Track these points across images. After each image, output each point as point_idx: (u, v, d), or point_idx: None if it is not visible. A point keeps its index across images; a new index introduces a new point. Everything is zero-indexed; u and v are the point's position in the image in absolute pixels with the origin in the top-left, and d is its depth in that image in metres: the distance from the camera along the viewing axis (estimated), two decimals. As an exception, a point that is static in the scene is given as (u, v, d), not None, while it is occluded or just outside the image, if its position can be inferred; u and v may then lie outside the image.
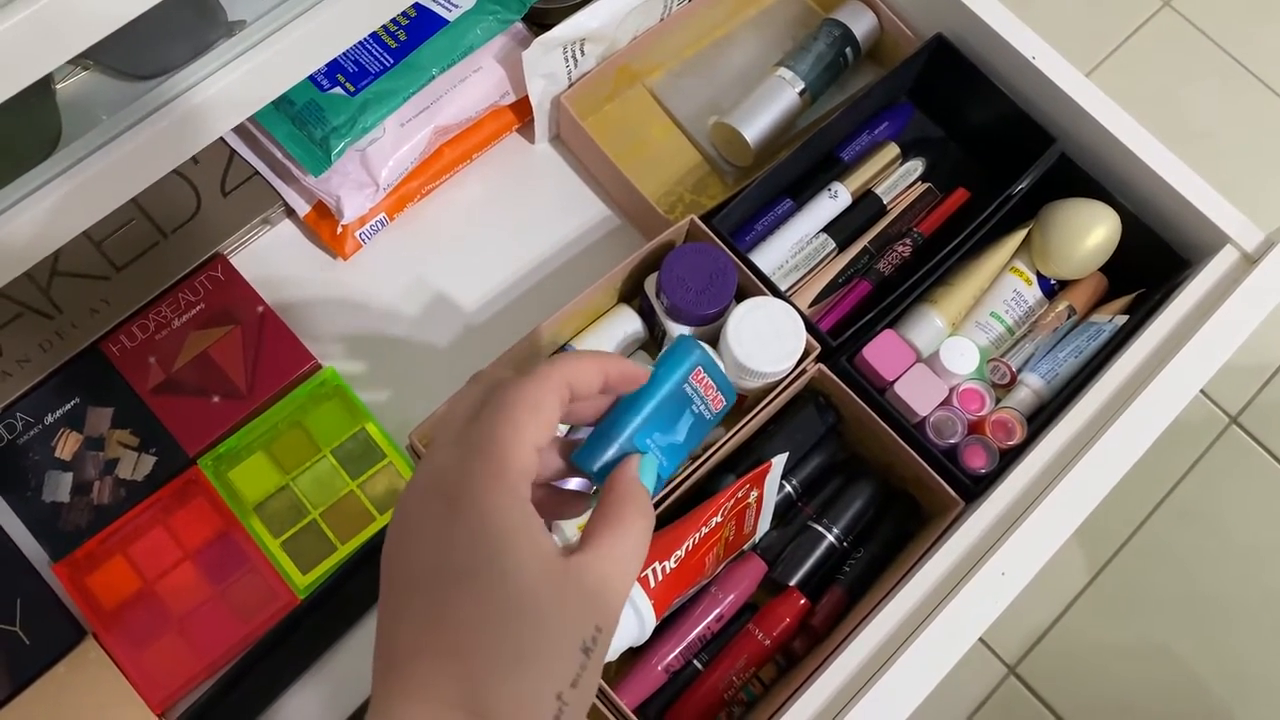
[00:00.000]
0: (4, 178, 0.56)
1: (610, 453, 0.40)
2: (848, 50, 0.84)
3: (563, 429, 0.65)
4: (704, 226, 0.73)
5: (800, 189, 0.81)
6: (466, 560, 0.34)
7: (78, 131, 0.58)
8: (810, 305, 0.77)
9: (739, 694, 0.68)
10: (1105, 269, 0.78)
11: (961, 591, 0.63)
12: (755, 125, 0.80)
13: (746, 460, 0.71)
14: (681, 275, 0.71)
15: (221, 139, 0.79)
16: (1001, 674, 1.35)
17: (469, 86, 0.79)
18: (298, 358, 0.75)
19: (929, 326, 0.75)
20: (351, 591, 0.71)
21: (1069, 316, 0.77)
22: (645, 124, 0.85)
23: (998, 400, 0.74)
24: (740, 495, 0.65)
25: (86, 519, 0.71)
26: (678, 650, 0.67)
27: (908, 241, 0.79)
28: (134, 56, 0.58)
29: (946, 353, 0.72)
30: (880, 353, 0.72)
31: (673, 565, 0.62)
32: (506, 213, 0.83)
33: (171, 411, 0.73)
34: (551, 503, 0.41)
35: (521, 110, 0.83)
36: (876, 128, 0.83)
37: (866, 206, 0.80)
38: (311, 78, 0.75)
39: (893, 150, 0.82)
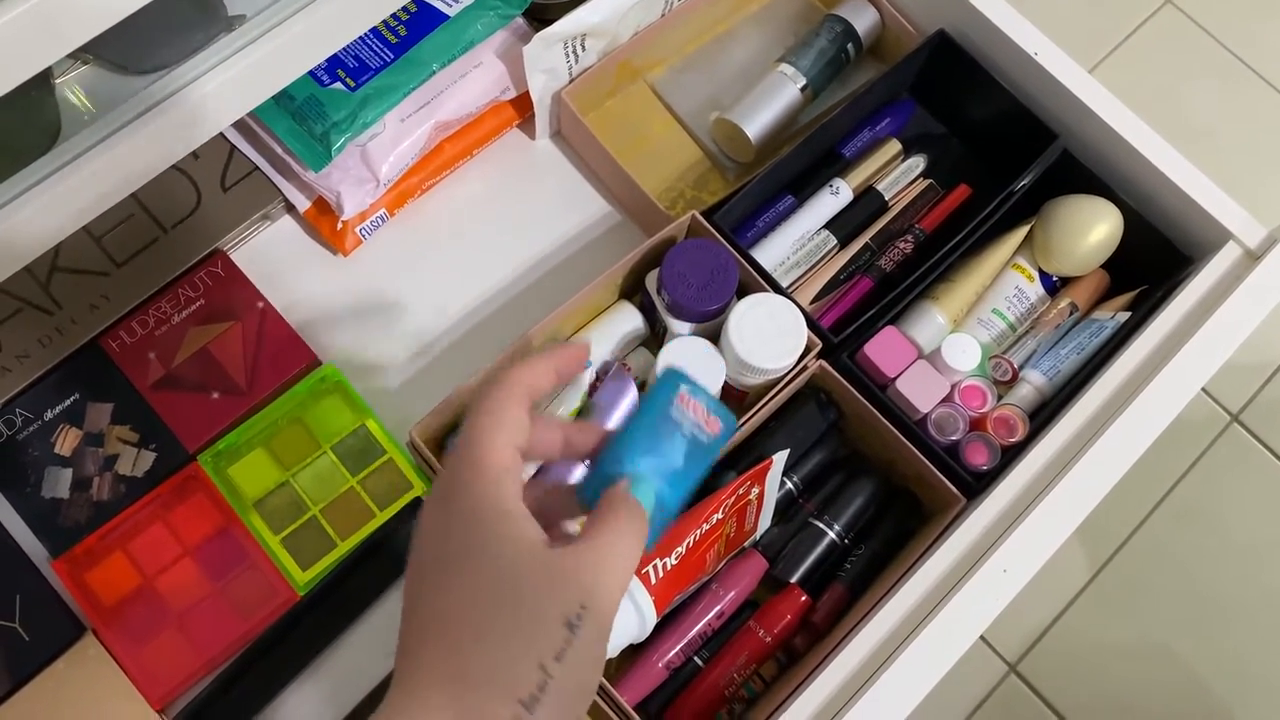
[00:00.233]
0: (3, 172, 0.56)
1: (600, 480, 0.41)
2: (849, 46, 0.83)
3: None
4: (705, 223, 0.73)
5: (802, 185, 0.81)
6: (458, 548, 0.38)
7: (77, 126, 0.58)
8: (812, 302, 0.77)
9: (740, 691, 0.68)
10: (1107, 266, 0.78)
11: (963, 589, 0.63)
12: (757, 121, 0.80)
13: (747, 457, 0.71)
14: (683, 271, 0.70)
15: (221, 134, 0.79)
16: (1002, 672, 1.35)
17: (469, 82, 0.79)
18: (298, 354, 0.75)
19: (930, 323, 0.75)
20: (352, 588, 0.70)
21: (1071, 313, 0.77)
22: (646, 120, 0.85)
23: (999, 397, 0.74)
24: (741, 492, 0.65)
25: (86, 515, 0.71)
26: (679, 647, 0.67)
27: (909, 238, 0.79)
28: (134, 51, 0.58)
29: (948, 349, 0.72)
30: (882, 349, 0.72)
31: (673, 562, 0.62)
32: (507, 209, 0.83)
33: (171, 407, 0.73)
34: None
35: (522, 106, 0.82)
36: (878, 124, 0.83)
37: (868, 203, 0.80)
38: (312, 73, 0.75)
39: (894, 146, 0.82)
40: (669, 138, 0.84)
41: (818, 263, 0.78)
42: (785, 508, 0.71)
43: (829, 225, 0.79)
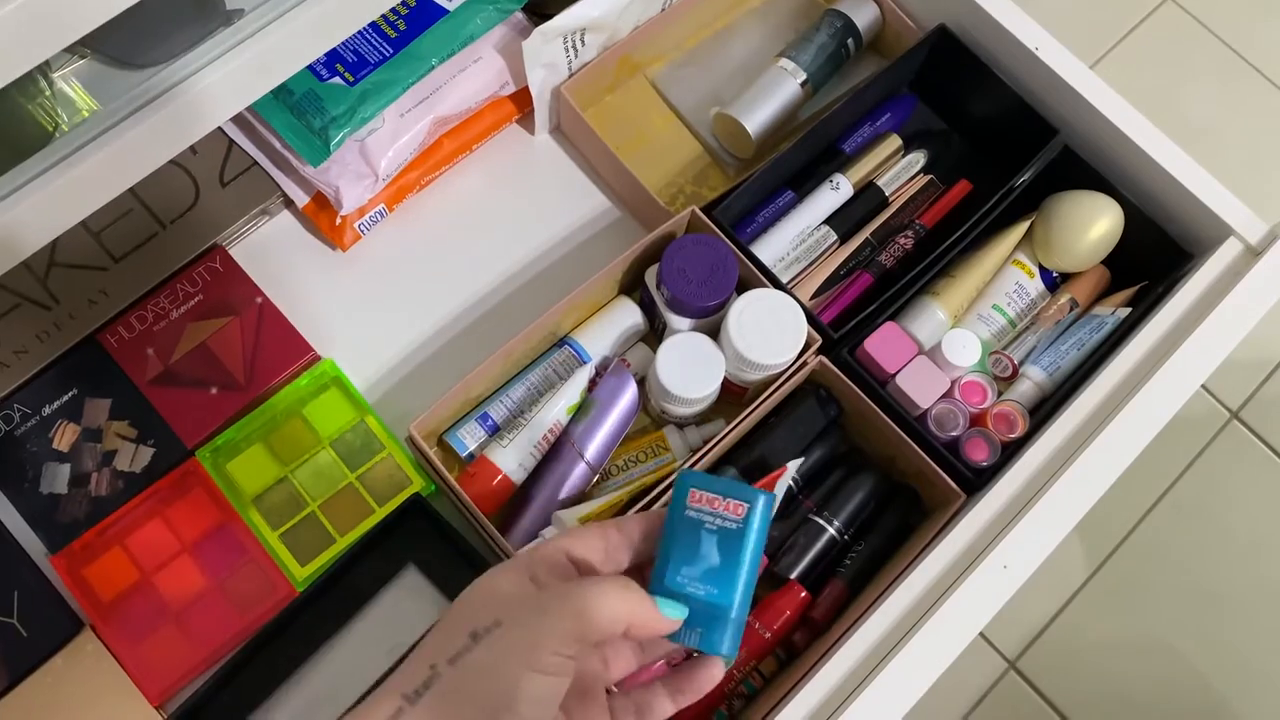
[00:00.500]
0: (0, 167, 0.55)
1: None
2: (850, 41, 0.83)
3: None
4: (705, 218, 0.73)
5: (802, 181, 0.80)
6: None
7: (74, 121, 0.58)
8: (812, 297, 0.77)
9: (739, 687, 0.68)
10: (1108, 261, 0.78)
11: (963, 585, 0.62)
12: (757, 116, 0.80)
13: (748, 453, 0.71)
14: (682, 267, 0.70)
15: (220, 129, 0.78)
16: (1001, 668, 1.35)
17: (469, 77, 0.79)
18: (296, 349, 0.75)
19: (931, 319, 0.75)
20: (351, 584, 0.70)
21: (1071, 309, 0.77)
22: (646, 115, 0.85)
23: (1000, 393, 0.74)
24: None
25: (84, 510, 0.70)
26: (678, 643, 0.67)
27: (909, 233, 0.78)
28: (132, 45, 0.58)
29: (948, 345, 0.72)
30: (882, 345, 0.72)
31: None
32: (506, 204, 0.83)
33: (169, 403, 0.73)
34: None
35: (522, 101, 0.82)
36: (878, 119, 0.83)
37: (868, 198, 0.80)
38: (310, 67, 0.75)
39: (895, 142, 0.82)
40: (669, 133, 0.84)
41: (818, 258, 0.78)
42: (785, 504, 0.71)
43: (829, 221, 0.79)
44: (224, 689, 0.67)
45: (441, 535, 0.71)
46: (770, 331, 0.69)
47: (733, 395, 0.74)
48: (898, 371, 0.71)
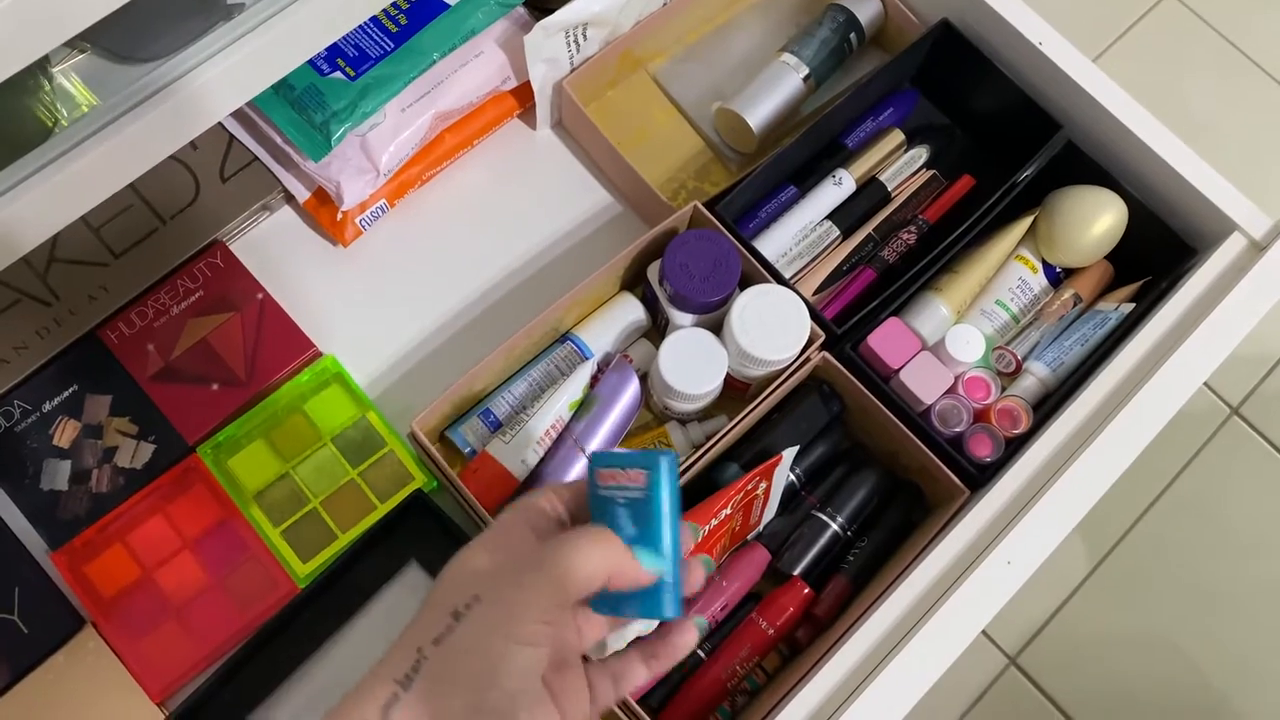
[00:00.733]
0: (0, 162, 0.55)
1: None
2: (852, 36, 0.83)
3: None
4: (707, 213, 0.72)
5: (804, 176, 0.80)
6: None
7: (74, 116, 0.57)
8: (814, 293, 0.76)
9: (742, 683, 0.68)
10: (1111, 257, 0.78)
11: (966, 581, 0.62)
12: (759, 111, 0.79)
13: (750, 449, 0.71)
14: (685, 262, 0.70)
15: (220, 124, 0.78)
16: (1002, 664, 1.35)
17: (470, 71, 0.79)
18: (297, 345, 0.75)
19: (934, 314, 0.75)
20: (353, 580, 0.70)
21: (1075, 304, 0.77)
22: (648, 110, 0.84)
23: (1003, 388, 0.73)
24: (750, 488, 0.65)
25: (85, 507, 0.70)
26: (681, 640, 0.66)
27: (912, 229, 0.78)
28: (131, 39, 0.58)
29: (952, 341, 0.72)
30: (885, 341, 0.71)
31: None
32: (508, 199, 0.82)
33: (170, 399, 0.73)
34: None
35: (523, 96, 0.82)
36: (881, 114, 0.83)
37: (871, 193, 0.80)
38: (311, 62, 0.75)
39: (897, 137, 0.82)
40: (671, 128, 0.84)
41: (820, 254, 0.78)
42: (788, 500, 0.71)
43: (832, 216, 0.79)
44: (225, 686, 0.67)
45: (444, 532, 0.71)
46: (773, 327, 0.68)
47: (735, 391, 0.74)
48: (901, 367, 0.71)
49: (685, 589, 0.44)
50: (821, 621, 0.69)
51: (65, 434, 0.72)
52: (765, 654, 0.68)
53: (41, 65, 0.56)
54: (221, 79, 0.60)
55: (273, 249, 0.79)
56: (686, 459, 0.68)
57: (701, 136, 0.84)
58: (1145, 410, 0.67)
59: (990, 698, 1.34)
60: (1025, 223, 0.78)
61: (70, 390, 0.73)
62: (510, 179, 0.83)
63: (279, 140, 0.77)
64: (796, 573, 0.69)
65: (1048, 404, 0.71)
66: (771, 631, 0.67)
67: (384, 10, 0.76)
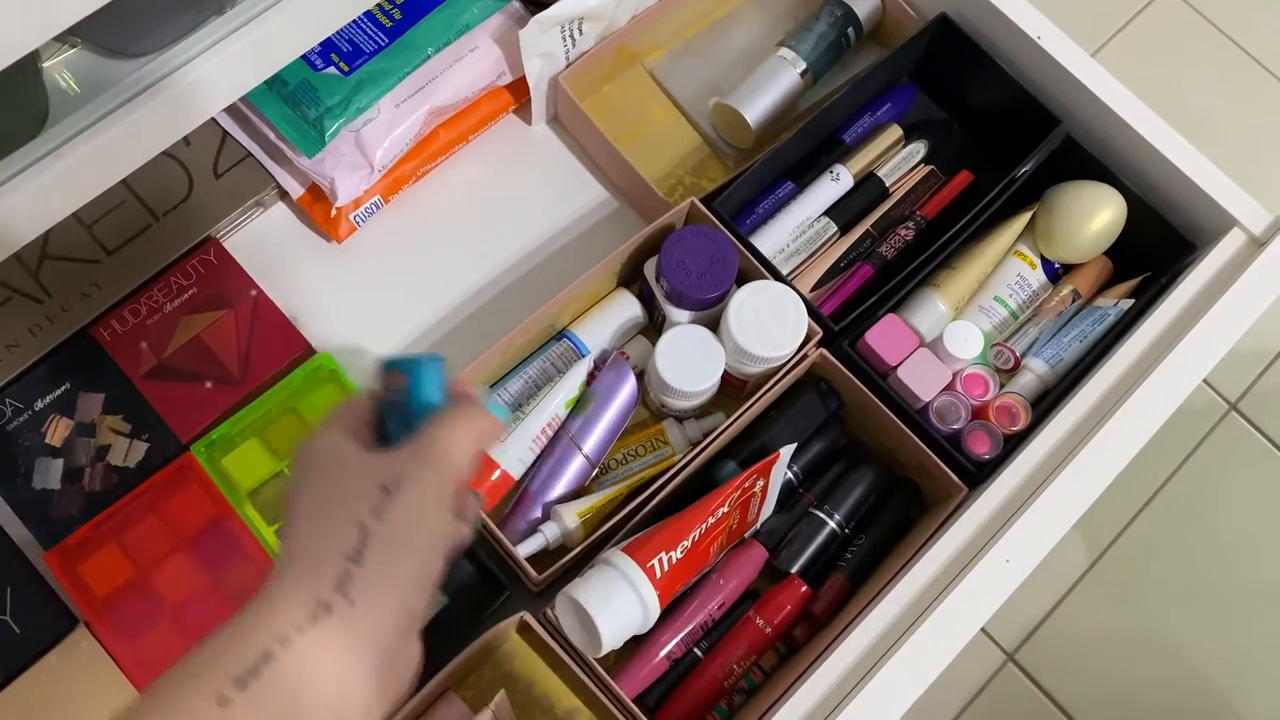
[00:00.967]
0: (-10, 157, 0.55)
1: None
2: (850, 30, 0.82)
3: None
4: (704, 209, 0.72)
5: (802, 171, 0.80)
6: (304, 469, 0.44)
7: (65, 111, 0.57)
8: (812, 289, 0.76)
9: (739, 682, 0.67)
10: (1110, 252, 0.77)
11: (965, 579, 0.62)
12: (756, 106, 0.79)
13: (748, 446, 0.70)
14: (682, 259, 0.70)
15: (213, 120, 0.78)
16: (1000, 661, 1.35)
17: (465, 66, 0.78)
18: (291, 342, 0.74)
19: (932, 311, 0.74)
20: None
21: (1073, 300, 0.76)
22: (644, 105, 0.84)
23: (1001, 385, 0.73)
24: (747, 485, 0.64)
25: (78, 506, 0.70)
26: (679, 638, 0.66)
27: (910, 225, 0.78)
28: (123, 34, 0.57)
29: (950, 337, 0.71)
30: (883, 337, 0.71)
31: (679, 555, 0.61)
32: (503, 195, 0.82)
33: (164, 397, 0.72)
34: None
35: (518, 91, 0.81)
36: (879, 109, 0.82)
37: (869, 189, 0.79)
38: (305, 57, 0.74)
39: (895, 132, 0.81)
40: (667, 123, 0.83)
41: (818, 250, 0.77)
42: (786, 497, 0.71)
43: (829, 212, 0.78)
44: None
45: (439, 530, 0.70)
46: (770, 324, 0.68)
47: (733, 388, 0.73)
48: (899, 364, 0.71)
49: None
50: (819, 620, 0.68)
51: (57, 432, 0.71)
52: (763, 653, 0.68)
53: (32, 60, 0.55)
54: (214, 74, 0.59)
55: (266, 246, 0.79)
56: (683, 456, 0.68)
57: (698, 132, 0.83)
58: (1144, 407, 0.66)
59: (988, 694, 1.34)
60: (1024, 218, 0.77)
61: (62, 388, 0.72)
62: (506, 175, 0.82)
63: (272, 136, 0.76)
64: (794, 571, 0.68)
65: (1046, 401, 0.71)
66: (769, 630, 0.67)
67: (378, 5, 0.75)
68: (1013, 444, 0.69)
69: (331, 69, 0.74)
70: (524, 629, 0.65)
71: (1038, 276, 0.77)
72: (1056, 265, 0.78)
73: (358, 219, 0.78)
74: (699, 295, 0.69)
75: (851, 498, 0.70)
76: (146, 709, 0.36)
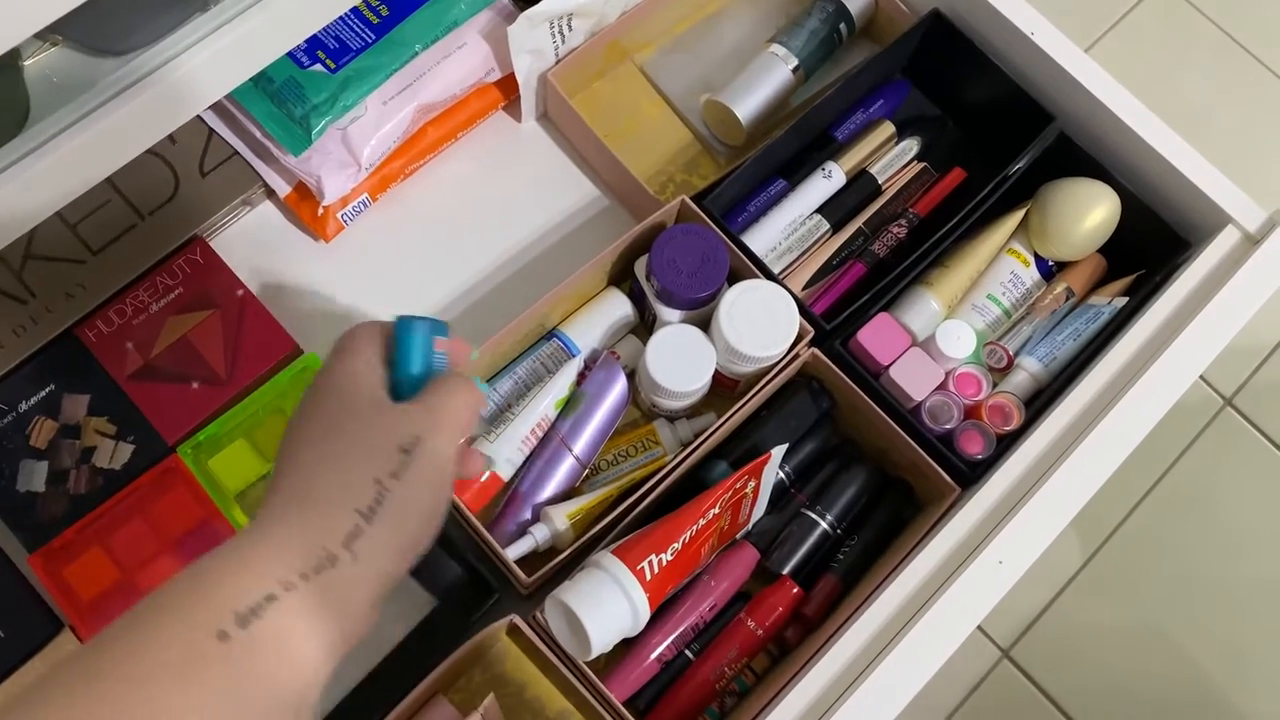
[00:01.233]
0: (-31, 157, 0.54)
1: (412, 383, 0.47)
2: (842, 26, 0.82)
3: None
4: (695, 207, 0.71)
5: (794, 169, 0.79)
6: (316, 396, 0.45)
7: (47, 110, 0.56)
8: (804, 288, 0.75)
9: (731, 684, 0.67)
10: (1104, 250, 0.77)
11: (957, 581, 0.61)
12: (748, 103, 0.78)
13: (739, 446, 0.70)
14: (672, 257, 0.69)
15: (199, 118, 0.77)
16: (995, 657, 1.35)
17: (453, 63, 0.77)
18: (279, 343, 0.73)
19: (925, 309, 0.74)
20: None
21: (1067, 299, 0.76)
22: (635, 102, 0.83)
23: (995, 384, 0.72)
24: (738, 486, 0.64)
25: (63, 509, 0.69)
26: (670, 640, 0.66)
27: (903, 222, 0.77)
28: (104, 31, 0.56)
29: (942, 336, 0.71)
30: (875, 336, 0.71)
31: (669, 558, 0.61)
32: (492, 193, 0.81)
33: (150, 398, 0.71)
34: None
35: (507, 88, 0.81)
36: (871, 106, 0.82)
37: (861, 187, 0.79)
38: (291, 54, 0.73)
39: (888, 129, 0.81)
40: (658, 120, 0.83)
41: (810, 248, 0.77)
42: (777, 498, 0.70)
43: (821, 210, 0.78)
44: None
45: (428, 532, 0.70)
46: (762, 323, 0.67)
47: (724, 388, 0.73)
48: (891, 363, 0.70)
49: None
50: (811, 621, 0.68)
51: (42, 434, 0.71)
52: (754, 655, 0.67)
53: (12, 57, 0.54)
54: (198, 71, 0.58)
55: (253, 245, 0.78)
56: (675, 457, 0.67)
57: (689, 129, 0.83)
58: (1138, 406, 0.66)
59: (983, 690, 1.34)
60: (1017, 216, 0.77)
61: (47, 389, 0.71)
62: (495, 173, 0.82)
63: (259, 134, 0.75)
64: (785, 572, 0.68)
65: (1040, 400, 0.71)
66: (760, 632, 0.66)
67: (365, 1, 0.75)
68: (1006, 444, 0.69)
69: (318, 66, 0.73)
70: (514, 632, 0.65)
71: (1031, 274, 0.76)
72: (1050, 263, 0.77)
73: (345, 217, 0.77)
74: (690, 294, 0.69)
75: (843, 498, 0.70)
76: (146, 631, 0.35)
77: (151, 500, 0.70)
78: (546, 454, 0.69)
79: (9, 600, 0.67)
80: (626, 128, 0.82)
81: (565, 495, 0.69)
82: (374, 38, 0.74)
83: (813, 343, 0.70)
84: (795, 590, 0.67)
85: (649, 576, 0.60)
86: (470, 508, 0.66)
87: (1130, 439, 0.65)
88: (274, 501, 0.42)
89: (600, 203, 0.81)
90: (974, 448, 0.69)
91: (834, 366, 0.69)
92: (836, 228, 0.78)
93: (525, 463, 0.69)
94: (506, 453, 0.68)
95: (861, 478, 0.70)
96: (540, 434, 0.69)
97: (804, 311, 0.69)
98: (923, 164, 0.80)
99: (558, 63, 0.79)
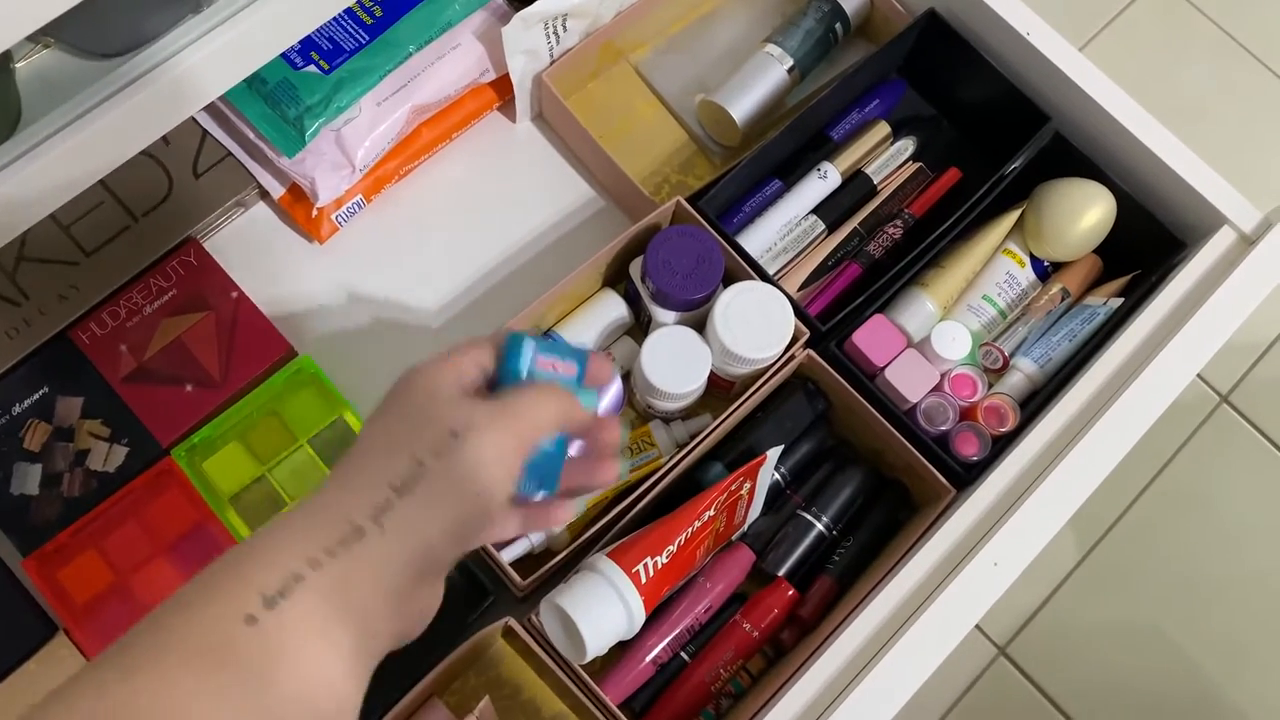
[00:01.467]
0: (-39, 161, 0.54)
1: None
2: (837, 26, 0.82)
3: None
4: (690, 208, 0.71)
5: (789, 169, 0.79)
6: (390, 397, 0.44)
7: (39, 112, 0.56)
8: (799, 289, 0.75)
9: (726, 686, 0.67)
10: (1100, 250, 0.77)
11: (953, 583, 0.61)
12: (743, 103, 0.78)
13: (734, 448, 0.70)
14: (667, 259, 0.69)
15: (193, 119, 0.77)
16: (991, 655, 1.35)
17: (447, 64, 0.77)
18: (273, 345, 0.73)
19: (920, 310, 0.74)
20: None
21: (1063, 299, 0.76)
22: (630, 102, 0.83)
23: (990, 385, 0.72)
24: (734, 488, 0.64)
25: (57, 512, 0.69)
26: (665, 642, 0.66)
27: (898, 223, 0.77)
28: (96, 33, 0.56)
29: (938, 337, 0.71)
30: (870, 338, 0.70)
31: (664, 560, 0.61)
32: (487, 194, 0.81)
33: (143, 401, 0.71)
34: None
35: (502, 88, 0.80)
36: (867, 106, 0.81)
37: (856, 187, 0.79)
38: (284, 55, 0.73)
39: (883, 129, 0.80)
40: (653, 121, 0.83)
41: (805, 249, 0.77)
42: (773, 499, 0.70)
43: (817, 210, 0.78)
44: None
45: (423, 534, 0.69)
46: (757, 325, 0.67)
47: (720, 389, 0.73)
48: (886, 365, 0.70)
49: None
50: (807, 623, 0.68)
51: (36, 437, 0.70)
52: (750, 656, 0.67)
53: (3, 60, 0.54)
54: (191, 73, 0.58)
55: (247, 246, 0.78)
56: (670, 459, 0.67)
57: (684, 129, 0.83)
58: (1134, 407, 0.66)
59: (980, 688, 1.34)
60: (1013, 216, 0.77)
61: (41, 392, 0.71)
62: (490, 173, 0.82)
63: (252, 136, 0.75)
64: (781, 573, 0.68)
65: (1035, 401, 0.70)
66: (756, 633, 0.66)
67: (359, 2, 0.74)
68: (1001, 445, 0.69)
69: (311, 67, 0.73)
70: (509, 634, 0.65)
71: (1027, 275, 0.76)
72: (1046, 263, 0.77)
73: (339, 219, 0.77)
74: (685, 296, 0.69)
75: (839, 499, 0.70)
76: (181, 617, 0.35)
77: (146, 503, 0.70)
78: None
79: (3, 604, 0.67)
80: (621, 128, 0.81)
81: (560, 497, 0.69)
82: (368, 38, 0.74)
83: (808, 344, 0.70)
84: (791, 592, 0.67)
85: (644, 579, 0.60)
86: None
87: (1125, 441, 0.65)
88: (323, 482, 0.41)
89: (595, 204, 0.81)
90: (969, 449, 0.69)
91: (829, 368, 0.69)
92: (832, 228, 0.77)
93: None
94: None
95: (857, 479, 0.70)
96: (535, 436, 0.69)
97: (799, 313, 0.69)
98: (918, 164, 0.80)
99: (552, 63, 0.79)
